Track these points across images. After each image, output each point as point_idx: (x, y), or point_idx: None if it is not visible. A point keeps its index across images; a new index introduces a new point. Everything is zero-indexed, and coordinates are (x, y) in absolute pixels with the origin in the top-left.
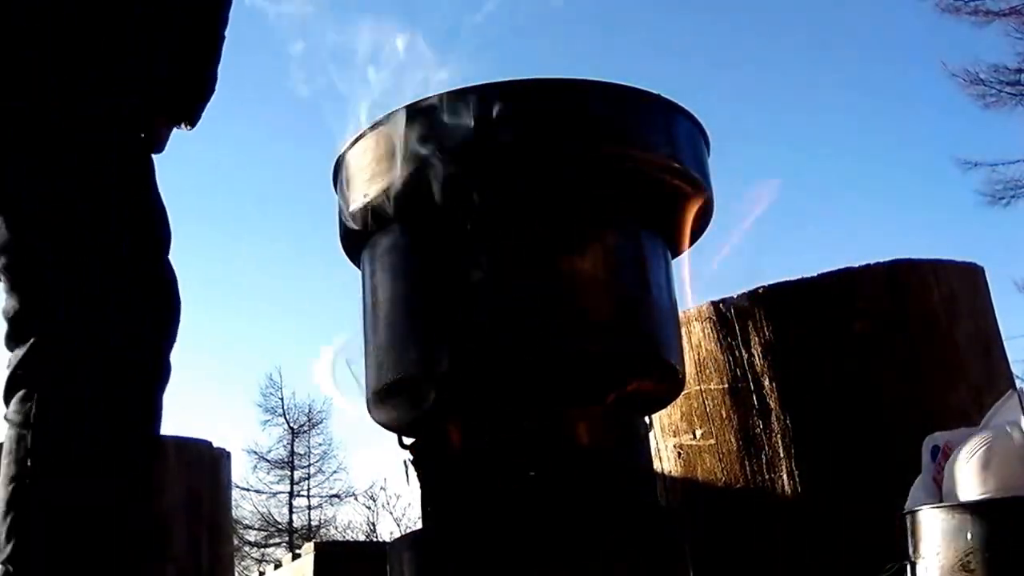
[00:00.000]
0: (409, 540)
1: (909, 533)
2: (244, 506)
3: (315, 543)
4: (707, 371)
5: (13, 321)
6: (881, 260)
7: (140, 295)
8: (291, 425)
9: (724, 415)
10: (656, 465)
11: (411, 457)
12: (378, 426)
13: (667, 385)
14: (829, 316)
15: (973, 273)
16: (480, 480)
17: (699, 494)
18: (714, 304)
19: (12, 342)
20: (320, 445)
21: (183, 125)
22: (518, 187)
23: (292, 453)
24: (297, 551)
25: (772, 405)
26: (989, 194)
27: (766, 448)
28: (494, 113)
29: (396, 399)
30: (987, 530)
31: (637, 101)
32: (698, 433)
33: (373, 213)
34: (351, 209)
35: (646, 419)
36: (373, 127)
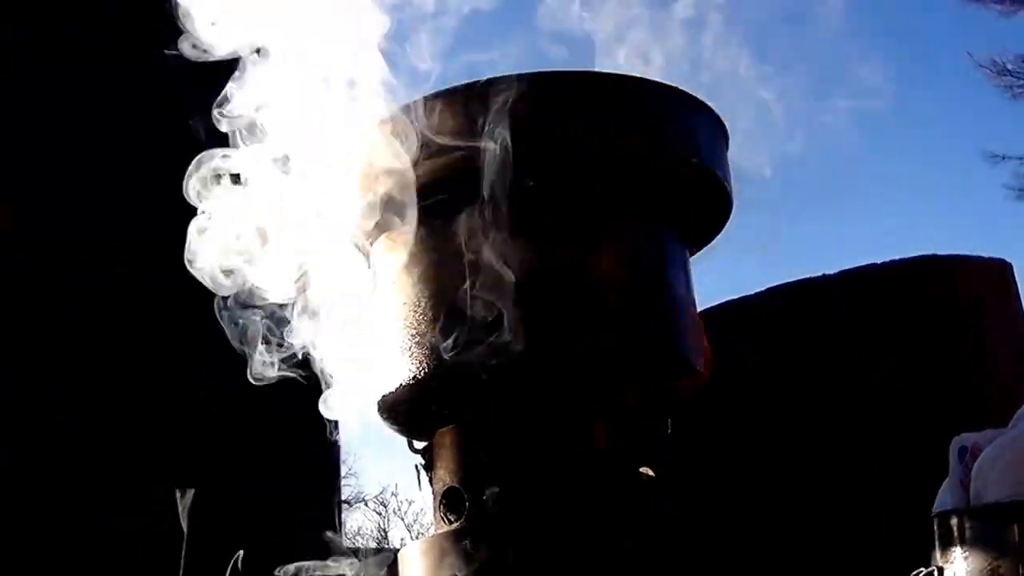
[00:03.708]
0: (420, 546)
1: (936, 537)
2: None
3: None
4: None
5: None
6: (905, 256)
7: None
8: None
9: None
10: None
11: (423, 462)
12: (389, 430)
13: (687, 384)
14: (851, 315)
15: (1001, 269)
16: (492, 482)
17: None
18: (730, 303)
19: None
20: None
21: None
22: (534, 182)
23: None
24: None
25: (790, 408)
26: (1018, 188)
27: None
28: (509, 106)
29: (408, 401)
30: (1015, 534)
31: (654, 94)
32: None
33: (384, 207)
34: (362, 202)
35: (668, 420)
36: (384, 120)
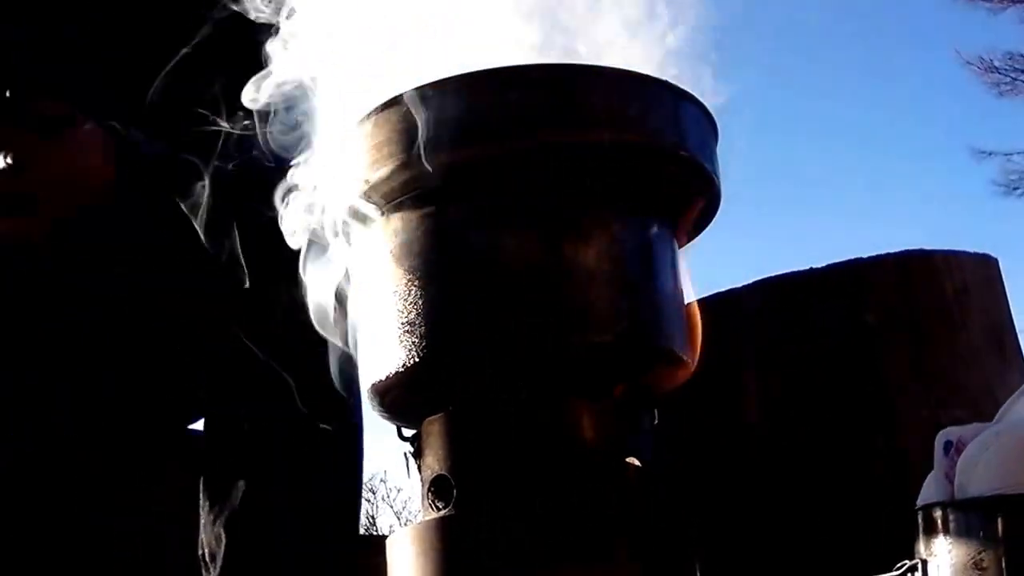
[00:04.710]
0: (408, 533)
1: (921, 530)
2: None
3: None
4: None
5: None
6: (892, 251)
7: None
8: None
9: None
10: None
11: (411, 449)
12: (378, 418)
13: (674, 377)
14: (837, 309)
15: (987, 264)
16: (481, 475)
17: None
18: (717, 296)
19: None
20: None
21: None
22: (521, 175)
23: None
24: None
25: (777, 401)
26: (1004, 184)
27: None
28: (496, 98)
29: (397, 390)
30: (999, 527)
31: (643, 86)
32: None
33: (373, 198)
34: (351, 193)
35: (654, 412)
36: (376, 110)
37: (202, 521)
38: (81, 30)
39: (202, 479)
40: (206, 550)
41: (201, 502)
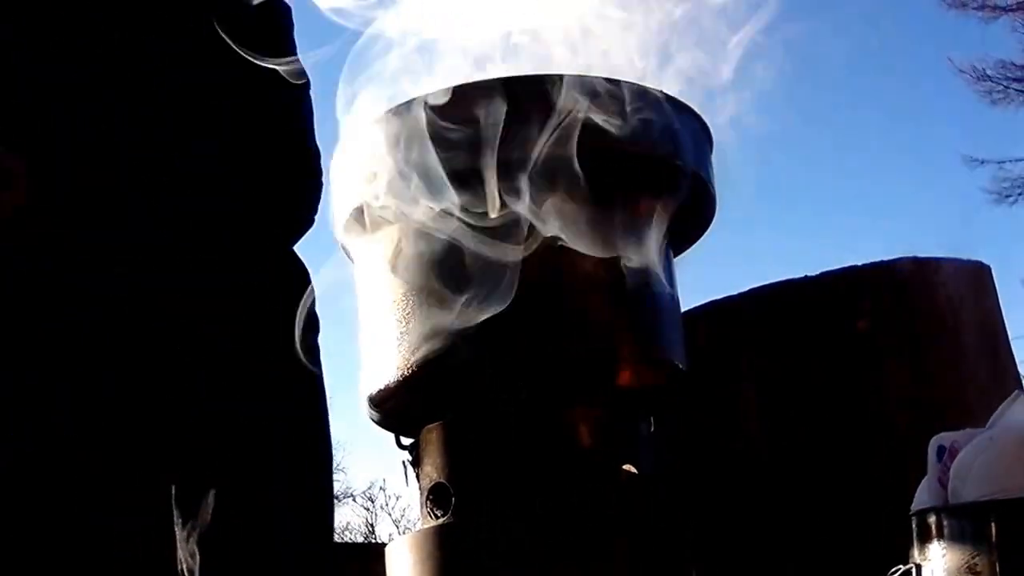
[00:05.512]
0: (407, 541)
1: (915, 535)
2: None
3: None
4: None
5: None
6: (885, 258)
7: None
8: None
9: None
10: None
11: (410, 458)
12: (377, 426)
13: (669, 383)
14: (832, 316)
15: (979, 272)
16: (479, 482)
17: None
18: (714, 303)
19: None
20: None
21: None
22: (517, 184)
23: None
24: None
25: (775, 407)
26: (996, 192)
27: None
28: (495, 110)
29: (396, 398)
30: (992, 531)
31: (640, 98)
32: None
33: (372, 211)
34: (350, 205)
35: (650, 419)
36: (376, 118)
37: (177, 536)
38: (81, 30)
39: (173, 493)
40: (184, 566)
41: (175, 517)
